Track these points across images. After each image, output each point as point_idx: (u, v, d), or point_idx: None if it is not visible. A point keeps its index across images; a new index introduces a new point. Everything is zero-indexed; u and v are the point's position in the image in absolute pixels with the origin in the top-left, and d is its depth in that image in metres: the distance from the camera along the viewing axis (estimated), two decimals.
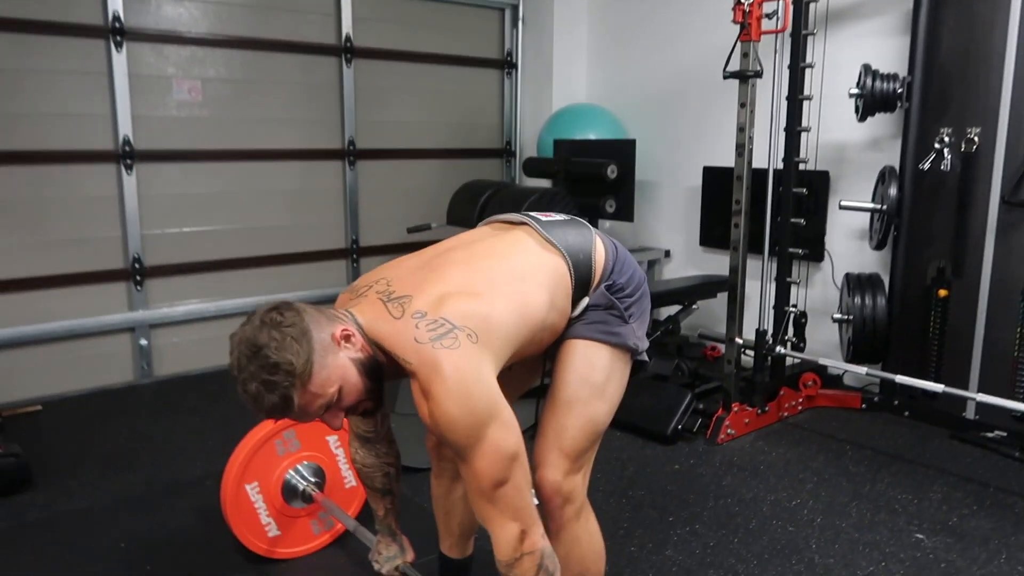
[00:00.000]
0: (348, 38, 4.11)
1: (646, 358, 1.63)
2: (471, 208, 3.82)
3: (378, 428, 1.67)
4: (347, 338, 1.32)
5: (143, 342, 3.71)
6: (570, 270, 1.50)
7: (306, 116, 4.07)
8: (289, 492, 2.17)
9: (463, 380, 1.27)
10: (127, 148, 3.55)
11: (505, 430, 1.31)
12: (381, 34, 4.25)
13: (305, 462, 2.20)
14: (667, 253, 4.42)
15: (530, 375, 1.73)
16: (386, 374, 1.38)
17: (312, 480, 2.18)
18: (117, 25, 3.46)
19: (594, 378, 1.54)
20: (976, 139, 2.89)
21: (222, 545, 2.16)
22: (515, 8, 4.75)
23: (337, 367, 1.29)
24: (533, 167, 4.15)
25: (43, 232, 3.44)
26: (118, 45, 3.48)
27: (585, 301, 1.52)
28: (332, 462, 2.25)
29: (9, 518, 2.42)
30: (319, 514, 2.24)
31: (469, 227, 3.98)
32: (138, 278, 3.66)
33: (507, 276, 1.45)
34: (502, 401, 1.32)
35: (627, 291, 1.57)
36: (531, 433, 1.53)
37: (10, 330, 3.38)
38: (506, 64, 4.82)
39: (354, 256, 4.31)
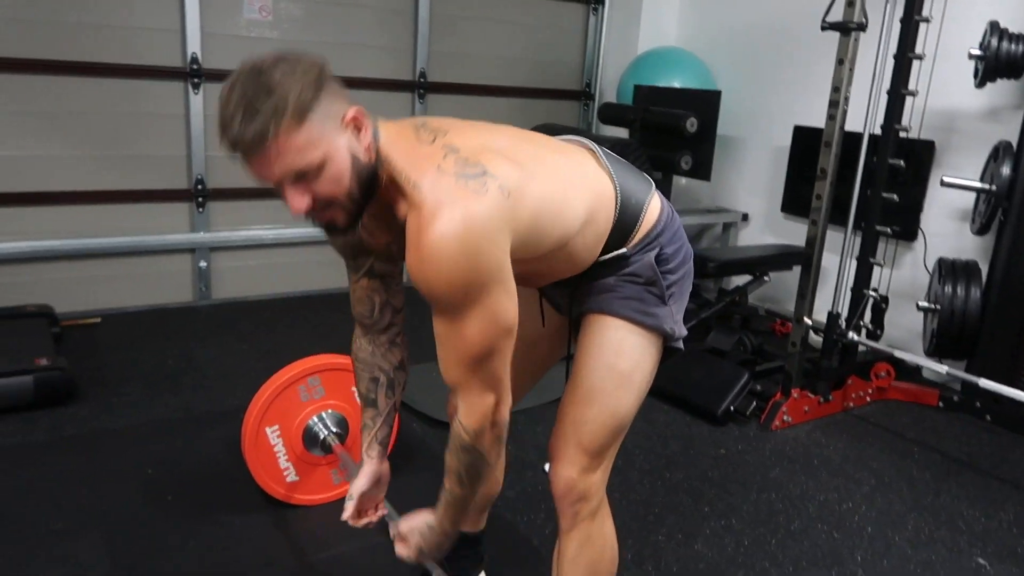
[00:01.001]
0: None
1: (680, 346, 1.44)
2: None
3: (376, 316, 1.49)
4: (356, 125, 1.12)
5: (203, 264, 3.73)
6: (616, 203, 1.31)
7: (377, 43, 3.93)
8: (310, 439, 2.12)
9: (480, 229, 1.08)
10: (195, 66, 3.50)
11: (509, 299, 1.16)
12: None
13: (330, 411, 2.15)
14: (744, 217, 4.14)
15: (550, 348, 1.58)
16: (374, 205, 1.18)
17: (334, 431, 2.12)
18: None
19: (621, 366, 1.37)
20: None
21: (244, 484, 2.13)
22: None
23: (331, 140, 1.09)
24: (609, 113, 3.91)
25: (109, 146, 3.45)
26: None
27: (618, 253, 1.34)
28: (357, 414, 2.18)
29: (48, 430, 2.47)
30: (340, 464, 2.19)
31: None
32: (200, 200, 3.66)
33: (554, 167, 1.29)
34: (509, 268, 1.15)
35: (672, 265, 1.38)
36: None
37: (74, 241, 3.43)
38: (593, 0, 4.53)
39: None
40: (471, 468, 1.27)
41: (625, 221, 1.34)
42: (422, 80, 4.06)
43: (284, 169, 1.07)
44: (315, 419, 2.12)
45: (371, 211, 1.20)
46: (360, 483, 1.55)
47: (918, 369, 3.28)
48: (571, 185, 1.28)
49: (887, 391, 3.11)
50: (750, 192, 4.12)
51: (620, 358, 1.37)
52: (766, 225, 4.07)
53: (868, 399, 3.07)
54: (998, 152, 2.82)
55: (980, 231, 2.92)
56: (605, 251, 1.33)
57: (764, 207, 4.07)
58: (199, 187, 3.64)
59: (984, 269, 2.95)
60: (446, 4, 4.04)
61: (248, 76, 1.06)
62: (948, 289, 2.89)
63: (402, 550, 1.43)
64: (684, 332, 1.44)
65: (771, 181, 3.98)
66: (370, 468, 1.56)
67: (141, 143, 3.51)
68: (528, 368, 1.58)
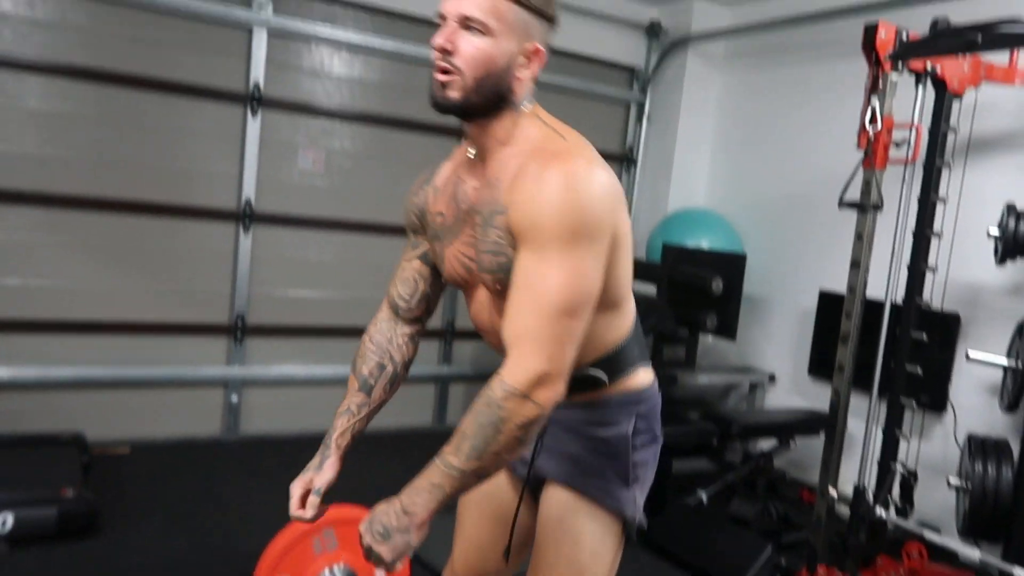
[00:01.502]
0: None
1: (633, 536, 1.39)
2: None
3: (411, 301, 1.51)
4: (532, 56, 1.26)
5: (234, 398, 3.82)
6: (629, 333, 1.36)
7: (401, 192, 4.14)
8: None
9: (615, 191, 1.22)
10: (248, 209, 3.73)
11: (599, 269, 1.20)
12: None
13: (342, 564, 2.14)
14: (771, 377, 4.13)
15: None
16: (483, 136, 1.29)
17: None
18: (256, 93, 3.67)
19: (582, 557, 1.35)
20: None
21: None
22: (641, 105, 4.71)
23: (508, 36, 1.22)
24: (638, 271, 4.00)
25: (158, 280, 3.64)
26: (254, 112, 3.69)
27: (601, 378, 1.36)
28: (367, 569, 2.17)
29: (67, 567, 2.49)
30: None
31: None
32: (239, 335, 3.79)
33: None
34: (608, 245, 1.22)
35: (642, 440, 1.38)
36: None
37: (113, 370, 3.56)
38: (626, 159, 4.76)
39: (448, 337, 4.30)
40: (485, 431, 1.15)
41: (624, 355, 1.37)
42: None
43: (465, 9, 1.20)
44: (326, 572, 2.12)
45: (482, 135, 1.30)
46: (327, 475, 1.45)
47: (955, 553, 3.14)
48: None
49: (920, 573, 2.97)
50: (777, 353, 4.14)
51: (579, 549, 1.35)
52: (793, 386, 4.06)
53: None
54: (1022, 330, 2.83)
55: (1009, 408, 2.88)
56: (599, 365, 1.35)
57: (791, 368, 4.07)
58: (239, 323, 3.78)
59: (1016, 447, 2.88)
60: None
61: None
62: (979, 467, 2.82)
63: (375, 552, 1.21)
64: (644, 522, 1.41)
65: (797, 343, 4.00)
66: (335, 459, 1.48)
67: (188, 278, 3.70)
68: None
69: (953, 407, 3.22)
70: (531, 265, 1.17)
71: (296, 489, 1.44)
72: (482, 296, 1.37)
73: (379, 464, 3.47)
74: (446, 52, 1.22)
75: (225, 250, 3.76)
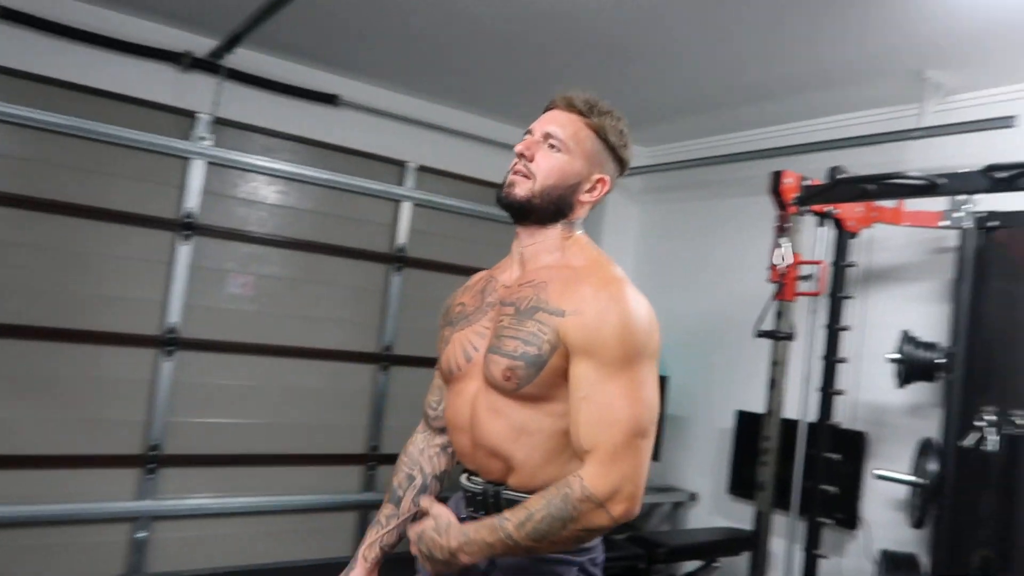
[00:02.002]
0: (402, 248, 4.29)
1: None
2: None
3: (439, 409, 1.61)
4: (596, 183, 1.47)
5: (141, 534, 3.59)
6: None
7: (348, 318, 4.18)
8: None
9: (654, 320, 1.37)
10: (171, 335, 3.65)
11: (656, 390, 1.33)
12: (433, 246, 4.43)
13: None
14: (693, 496, 4.22)
15: None
16: (539, 239, 1.44)
17: None
18: (188, 220, 3.68)
19: None
20: (1022, 424, 2.76)
21: None
22: None
23: (579, 159, 1.43)
24: None
25: (67, 409, 3.46)
26: (186, 238, 3.69)
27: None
28: None
29: None
30: None
31: None
32: (152, 465, 3.62)
33: None
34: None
35: None
36: None
37: (4, 509, 3.29)
38: None
39: (371, 463, 4.22)
40: (553, 522, 1.23)
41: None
42: (387, 353, 4.26)
43: (551, 128, 1.42)
44: None
45: (530, 240, 1.46)
46: None
47: None
48: None
49: None
50: (698, 472, 4.24)
51: None
52: (714, 505, 4.14)
53: None
54: (924, 448, 3.03)
55: (916, 524, 3.03)
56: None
57: (711, 487, 4.17)
58: (153, 452, 3.62)
59: (925, 561, 3.02)
60: (416, 285, 4.37)
61: (610, 108, 1.50)
62: None
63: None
64: None
65: (717, 461, 4.12)
66: (360, 571, 1.51)
67: (101, 407, 3.53)
68: None
69: (865, 524, 3.37)
70: (594, 378, 1.28)
71: None
72: (470, 390, 1.43)
73: None
74: (524, 157, 1.40)
75: (144, 377, 3.64)
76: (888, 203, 3.08)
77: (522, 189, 1.40)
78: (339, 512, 4.15)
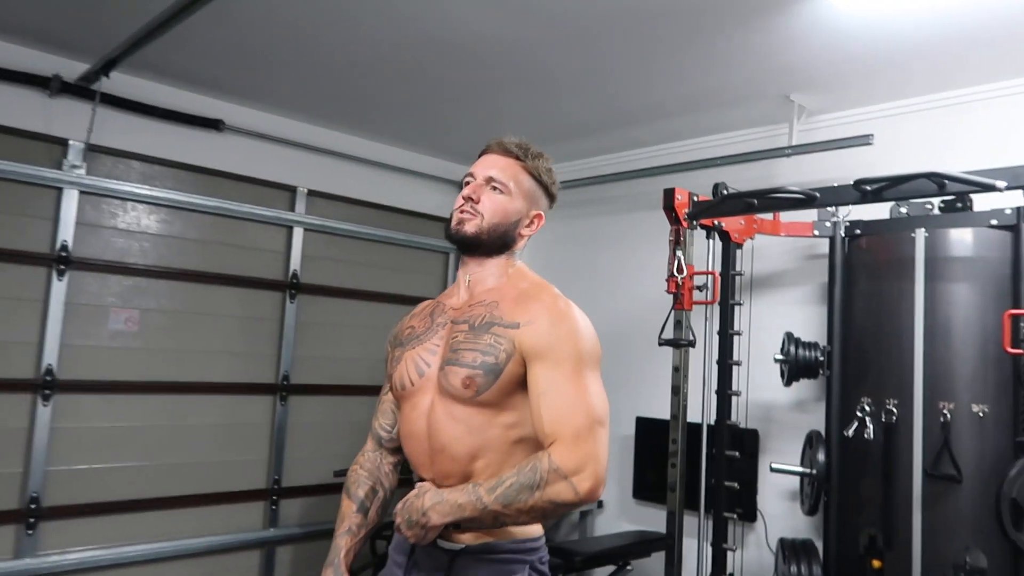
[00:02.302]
0: (295, 275, 4.19)
1: None
2: None
3: (393, 432, 1.74)
4: (533, 221, 1.67)
5: None
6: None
7: (242, 349, 4.03)
8: None
9: (593, 330, 1.57)
10: (48, 378, 3.40)
11: (605, 394, 1.52)
12: (327, 271, 4.36)
13: None
14: (600, 504, 4.34)
15: None
16: (488, 269, 1.62)
17: None
18: (63, 254, 3.45)
19: None
20: (895, 410, 3.03)
21: None
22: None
23: (519, 200, 1.63)
24: None
25: None
26: (60, 273, 3.45)
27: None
28: None
29: None
30: None
31: (406, 473, 3.85)
32: (31, 520, 3.34)
33: None
34: None
35: None
36: None
37: None
38: None
39: (274, 497, 4.08)
40: (521, 489, 1.37)
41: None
42: (285, 383, 4.14)
43: (492, 172, 1.61)
44: None
45: (478, 268, 1.63)
46: None
47: None
48: None
49: None
50: None
51: None
52: (620, 511, 4.28)
53: None
54: (811, 440, 3.27)
55: (810, 511, 3.27)
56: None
57: (617, 493, 4.31)
58: (32, 506, 3.35)
59: (820, 545, 3.26)
60: (312, 312, 4.28)
61: (540, 151, 1.69)
62: (793, 569, 3.15)
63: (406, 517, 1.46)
64: None
65: (620, 468, 4.27)
66: None
67: None
68: None
69: (763, 516, 3.59)
70: (551, 376, 1.45)
71: None
72: (424, 403, 1.56)
73: None
74: (471, 200, 1.55)
75: (19, 425, 3.37)
76: (767, 216, 3.32)
77: (471, 227, 1.58)
78: (243, 551, 3.98)
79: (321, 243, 4.35)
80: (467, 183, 1.65)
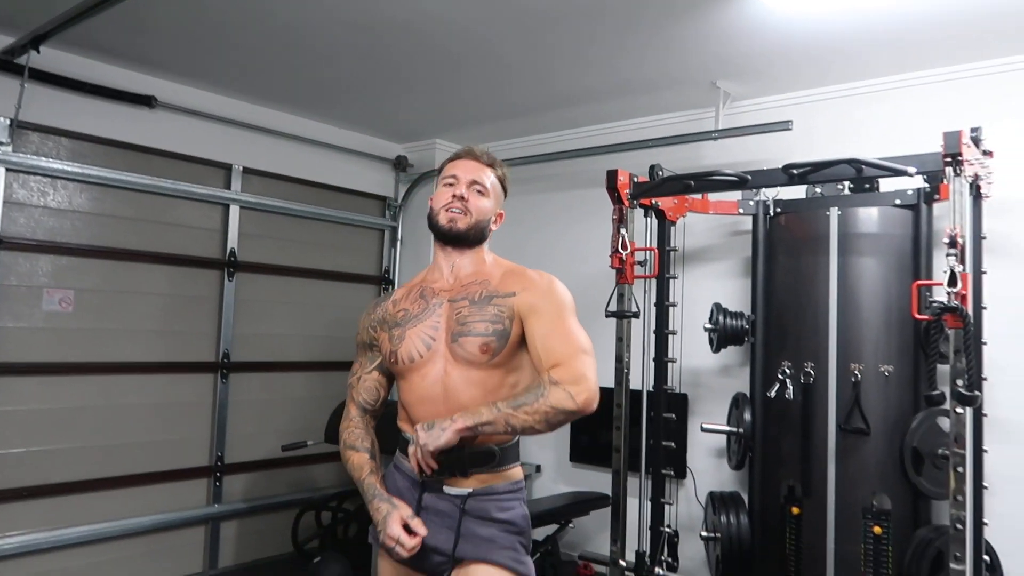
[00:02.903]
0: (232, 253, 4.18)
1: None
2: None
3: (376, 404, 1.97)
4: (501, 217, 2.01)
5: None
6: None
7: (181, 328, 4.00)
8: None
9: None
10: None
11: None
12: (265, 250, 4.36)
13: None
14: (538, 468, 4.56)
15: None
16: (471, 256, 1.90)
17: None
18: None
19: None
20: (812, 372, 3.34)
21: None
22: (394, 229, 5.06)
23: (493, 200, 1.93)
24: None
25: None
26: None
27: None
28: None
29: None
30: None
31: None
32: None
33: None
34: None
35: (528, 520, 1.85)
36: None
37: None
38: (383, 280, 5.04)
39: (218, 474, 4.10)
40: (530, 397, 1.67)
41: (516, 447, 1.87)
42: (226, 360, 4.14)
43: (476, 176, 1.88)
44: None
45: (460, 256, 1.89)
46: (408, 508, 1.78)
47: None
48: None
49: None
50: (541, 445, 4.58)
51: None
52: (558, 474, 4.51)
53: None
54: (738, 402, 3.56)
55: (737, 466, 3.57)
56: (501, 447, 1.79)
57: (554, 458, 4.53)
58: None
59: (746, 497, 3.57)
60: (250, 289, 4.27)
61: (498, 158, 1.97)
62: (723, 519, 3.45)
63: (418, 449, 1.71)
64: None
65: (557, 435, 4.48)
66: (404, 506, 1.80)
67: None
68: None
69: (692, 472, 3.88)
70: (546, 322, 1.76)
71: (396, 527, 1.72)
72: (435, 371, 1.80)
73: None
74: (463, 199, 1.81)
75: None
76: (697, 196, 3.56)
77: (463, 223, 1.85)
78: (187, 528, 3.99)
79: (258, 221, 4.34)
80: (450, 184, 1.88)
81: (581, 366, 1.71)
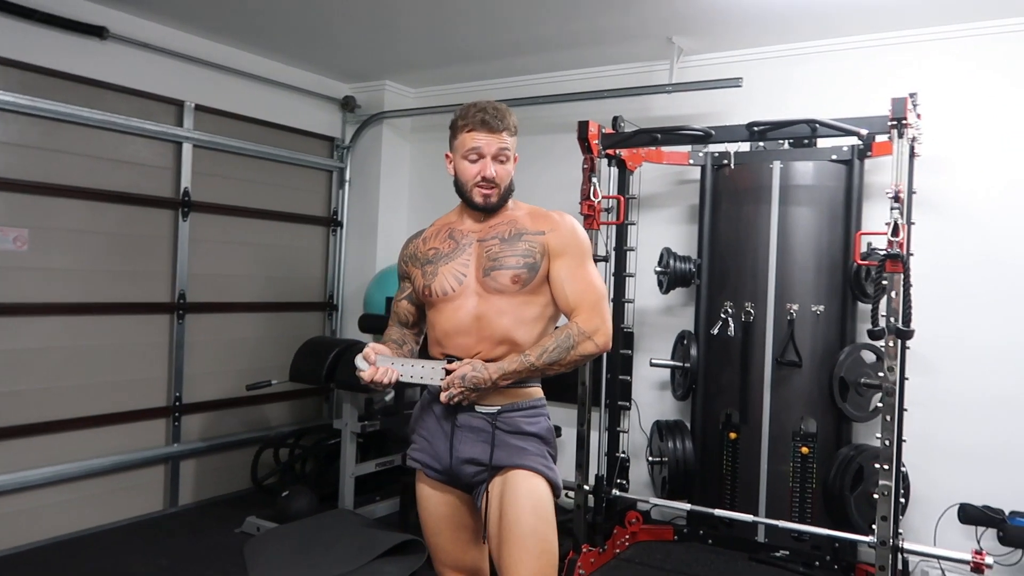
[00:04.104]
0: (187, 192, 4.12)
1: (560, 494, 2.00)
2: (318, 366, 3.90)
3: (409, 322, 2.13)
4: (516, 158, 2.06)
5: None
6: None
7: (137, 268, 3.95)
8: None
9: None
10: None
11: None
12: (219, 189, 4.31)
13: None
14: None
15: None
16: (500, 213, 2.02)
17: None
18: None
19: (543, 512, 1.90)
20: (752, 312, 3.69)
21: None
22: (341, 171, 5.07)
23: (513, 162, 2.02)
24: (370, 324, 4.35)
25: None
26: None
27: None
28: None
29: None
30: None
31: (318, 384, 4.02)
32: None
33: None
34: None
35: (554, 435, 2.03)
36: None
37: None
38: (332, 222, 5.07)
39: (177, 415, 4.12)
40: (560, 348, 1.88)
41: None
42: (182, 301, 4.12)
43: (500, 146, 1.96)
44: None
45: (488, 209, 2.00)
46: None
47: (648, 512, 4.08)
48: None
49: (639, 534, 3.84)
50: None
51: (541, 505, 1.90)
52: None
53: (627, 544, 3.76)
54: (684, 338, 3.88)
55: (682, 397, 3.91)
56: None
57: None
58: None
59: (689, 424, 3.92)
60: (205, 230, 4.24)
61: (495, 104, 1.99)
62: (669, 444, 3.79)
63: (448, 389, 1.86)
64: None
65: None
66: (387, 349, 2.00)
67: None
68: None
69: (636, 404, 4.20)
70: (571, 265, 1.97)
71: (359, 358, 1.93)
72: (468, 304, 1.95)
73: (111, 566, 3.27)
74: (493, 178, 1.94)
75: None
76: (652, 147, 3.79)
77: (496, 197, 1.99)
78: (147, 468, 4.02)
79: (211, 160, 4.28)
80: (473, 159, 1.97)
81: (602, 313, 1.94)
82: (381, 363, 1.90)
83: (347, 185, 5.08)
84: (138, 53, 3.88)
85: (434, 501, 2.03)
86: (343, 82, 5.01)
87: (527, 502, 1.87)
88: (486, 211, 2.00)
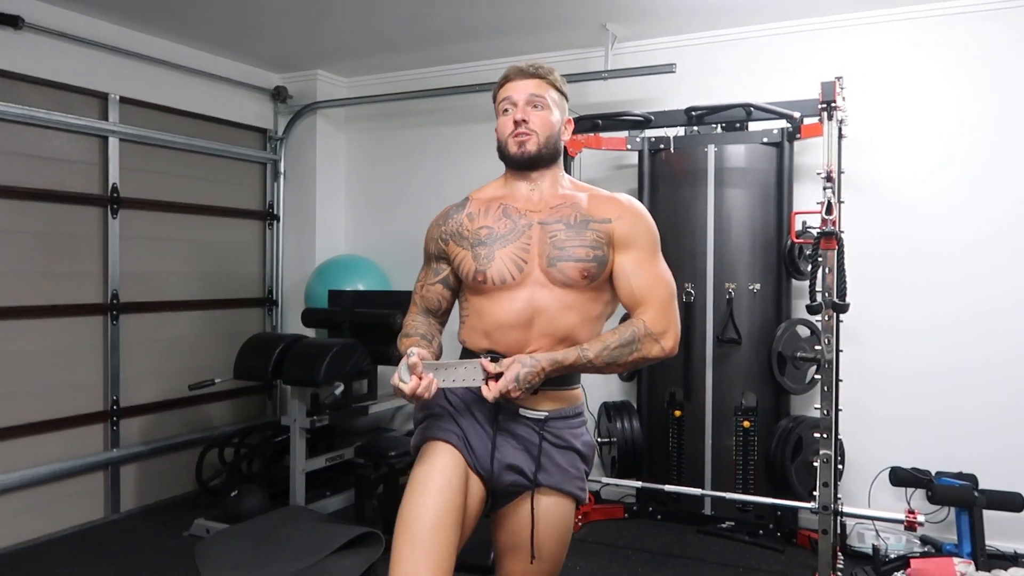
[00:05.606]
0: (115, 188, 3.97)
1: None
2: (264, 362, 3.83)
3: (439, 310, 1.93)
4: (567, 126, 1.86)
5: None
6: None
7: (64, 270, 3.79)
8: None
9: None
10: None
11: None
12: (150, 185, 4.17)
13: None
14: None
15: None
16: (545, 174, 1.82)
17: None
18: None
19: (566, 537, 1.86)
20: (692, 291, 3.79)
21: None
22: (275, 163, 4.96)
23: (555, 111, 1.81)
24: (313, 318, 4.28)
25: None
26: None
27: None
28: None
29: None
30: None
31: (264, 381, 3.95)
32: None
33: None
34: None
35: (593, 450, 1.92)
36: None
37: None
38: (268, 215, 4.96)
39: (114, 419, 3.99)
40: (623, 348, 1.69)
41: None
42: (115, 302, 3.98)
43: (531, 93, 1.77)
44: None
45: (540, 178, 1.81)
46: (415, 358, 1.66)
47: (599, 492, 4.17)
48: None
49: (591, 514, 3.92)
50: None
51: (566, 531, 1.85)
52: None
53: (580, 524, 3.84)
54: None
55: (629, 378, 3.99)
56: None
57: None
58: None
59: (635, 404, 4.01)
60: (136, 227, 4.10)
61: (544, 64, 1.84)
62: (618, 425, 3.88)
63: (495, 384, 1.63)
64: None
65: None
66: (424, 350, 1.78)
67: None
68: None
69: (583, 387, 4.26)
70: (639, 259, 1.77)
71: (396, 376, 1.67)
72: (524, 295, 1.75)
73: None
74: (524, 122, 1.74)
75: None
76: (591, 134, 3.84)
77: (532, 145, 1.76)
78: (86, 475, 3.88)
79: (140, 155, 4.13)
80: (506, 109, 1.79)
81: (671, 313, 1.75)
82: (427, 371, 1.65)
83: (282, 177, 4.98)
84: (57, 43, 3.72)
85: (450, 468, 1.73)
86: (274, 72, 4.91)
87: (555, 531, 1.81)
88: (525, 166, 1.78)
